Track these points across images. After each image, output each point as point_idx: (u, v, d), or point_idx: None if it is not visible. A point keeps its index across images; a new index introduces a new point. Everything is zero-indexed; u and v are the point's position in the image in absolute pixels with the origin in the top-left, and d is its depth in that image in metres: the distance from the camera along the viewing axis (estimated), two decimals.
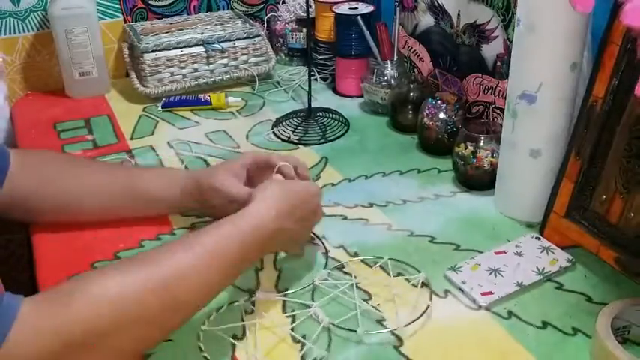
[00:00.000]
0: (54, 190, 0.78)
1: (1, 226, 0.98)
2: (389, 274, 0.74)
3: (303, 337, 0.64)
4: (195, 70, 1.23)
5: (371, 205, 0.88)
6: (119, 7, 1.29)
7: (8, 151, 0.78)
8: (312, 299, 0.70)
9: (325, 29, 1.26)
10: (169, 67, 1.20)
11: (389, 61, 1.14)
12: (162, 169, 0.96)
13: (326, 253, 0.78)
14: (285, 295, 0.71)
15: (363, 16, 1.15)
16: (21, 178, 0.77)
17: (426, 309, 0.67)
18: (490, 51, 0.98)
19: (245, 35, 1.25)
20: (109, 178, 0.81)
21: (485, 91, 1.00)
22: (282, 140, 1.06)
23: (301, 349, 0.63)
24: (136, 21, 1.31)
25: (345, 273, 0.74)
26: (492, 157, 0.87)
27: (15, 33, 1.22)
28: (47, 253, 0.79)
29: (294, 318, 0.67)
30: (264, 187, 0.70)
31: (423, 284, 0.71)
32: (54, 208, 0.79)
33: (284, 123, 1.11)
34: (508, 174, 0.83)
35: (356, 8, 1.19)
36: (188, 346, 0.64)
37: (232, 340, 0.64)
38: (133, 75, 1.20)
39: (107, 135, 1.09)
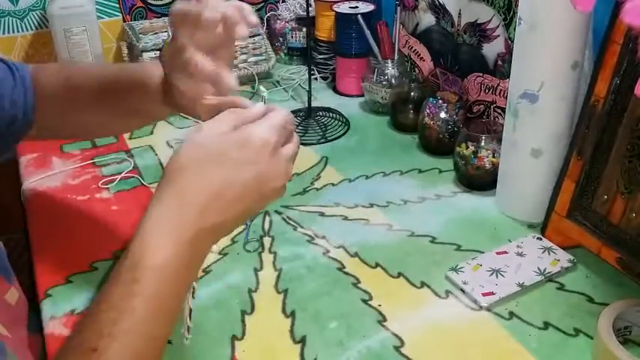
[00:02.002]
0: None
1: (0, 226, 0.98)
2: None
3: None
4: None
5: (371, 205, 0.87)
6: (118, 6, 1.29)
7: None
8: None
9: (325, 28, 1.25)
10: None
11: (389, 61, 1.13)
12: None
13: None
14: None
15: (363, 15, 1.15)
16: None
17: None
18: (491, 50, 0.97)
19: None
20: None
21: (487, 91, 0.99)
22: None
23: (301, 349, 0.63)
24: (134, 20, 1.31)
25: None
26: (493, 156, 0.86)
27: (13, 32, 1.22)
28: (45, 253, 0.78)
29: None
30: (171, 172, 0.48)
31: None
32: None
33: None
34: (509, 174, 0.82)
35: (356, 7, 1.19)
36: (187, 348, 0.64)
37: (232, 341, 0.64)
38: None
39: None
